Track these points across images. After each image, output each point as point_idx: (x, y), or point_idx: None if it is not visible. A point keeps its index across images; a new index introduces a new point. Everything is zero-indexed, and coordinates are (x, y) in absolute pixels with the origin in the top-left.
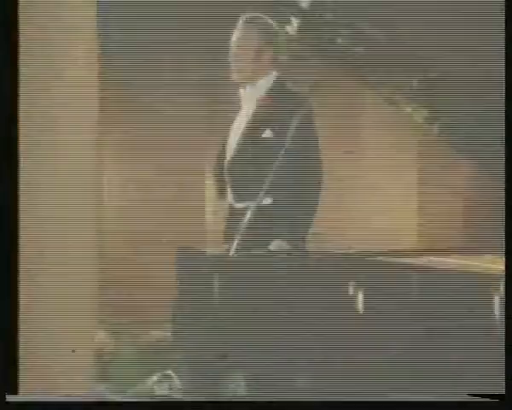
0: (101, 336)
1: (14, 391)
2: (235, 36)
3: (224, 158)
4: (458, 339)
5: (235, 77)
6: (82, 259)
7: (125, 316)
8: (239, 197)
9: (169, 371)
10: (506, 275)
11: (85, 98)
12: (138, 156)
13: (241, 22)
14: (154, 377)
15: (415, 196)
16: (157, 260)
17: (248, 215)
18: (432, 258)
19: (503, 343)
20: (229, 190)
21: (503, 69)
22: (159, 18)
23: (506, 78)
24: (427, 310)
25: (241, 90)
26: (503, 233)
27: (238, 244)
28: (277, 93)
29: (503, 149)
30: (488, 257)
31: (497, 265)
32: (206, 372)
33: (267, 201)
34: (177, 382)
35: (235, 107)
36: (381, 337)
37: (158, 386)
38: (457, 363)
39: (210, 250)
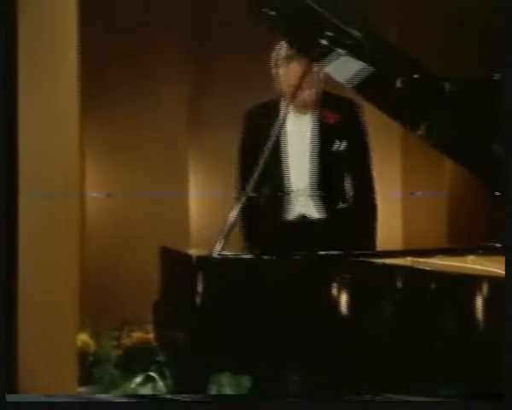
0: (84, 337)
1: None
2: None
3: (284, 178)
4: (442, 339)
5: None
6: (64, 260)
7: (108, 317)
8: (319, 209)
9: (152, 373)
10: (506, 275)
11: (66, 98)
12: (121, 155)
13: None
14: (138, 379)
15: (399, 196)
16: (139, 261)
17: (232, 217)
18: (415, 258)
19: (486, 343)
20: (302, 203)
21: (489, 68)
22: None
23: (506, 77)
24: (411, 310)
25: (296, 118)
26: (485, 234)
27: (222, 246)
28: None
29: (488, 149)
30: (471, 258)
31: (480, 265)
32: (190, 373)
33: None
34: (160, 383)
35: (218, 104)
36: (366, 338)
37: (141, 387)
38: (441, 361)
39: (193, 251)
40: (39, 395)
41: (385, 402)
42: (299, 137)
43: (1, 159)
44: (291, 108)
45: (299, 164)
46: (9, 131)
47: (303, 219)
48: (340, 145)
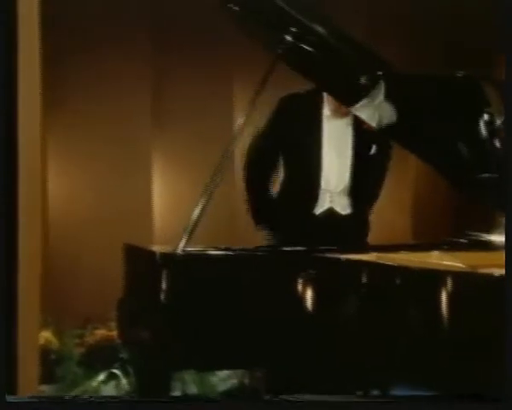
0: (47, 335)
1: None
2: None
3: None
4: (406, 334)
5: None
6: (25, 257)
7: (71, 315)
8: (347, 206)
9: (115, 370)
10: (506, 275)
11: (27, 93)
12: (83, 151)
13: None
14: (101, 376)
15: None
16: (103, 258)
17: (196, 213)
18: (380, 254)
19: (450, 339)
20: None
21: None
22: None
23: (507, 77)
24: (375, 306)
25: (334, 120)
26: (450, 230)
27: (186, 242)
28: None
29: (452, 147)
30: (436, 253)
31: (445, 261)
32: (154, 371)
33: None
34: (123, 380)
35: (181, 102)
36: (331, 334)
37: (104, 385)
38: (405, 358)
39: (157, 248)
40: (39, 396)
41: (376, 402)
42: (336, 138)
43: (1, 159)
44: (330, 110)
45: (335, 163)
46: (10, 130)
47: (330, 213)
48: (375, 149)
